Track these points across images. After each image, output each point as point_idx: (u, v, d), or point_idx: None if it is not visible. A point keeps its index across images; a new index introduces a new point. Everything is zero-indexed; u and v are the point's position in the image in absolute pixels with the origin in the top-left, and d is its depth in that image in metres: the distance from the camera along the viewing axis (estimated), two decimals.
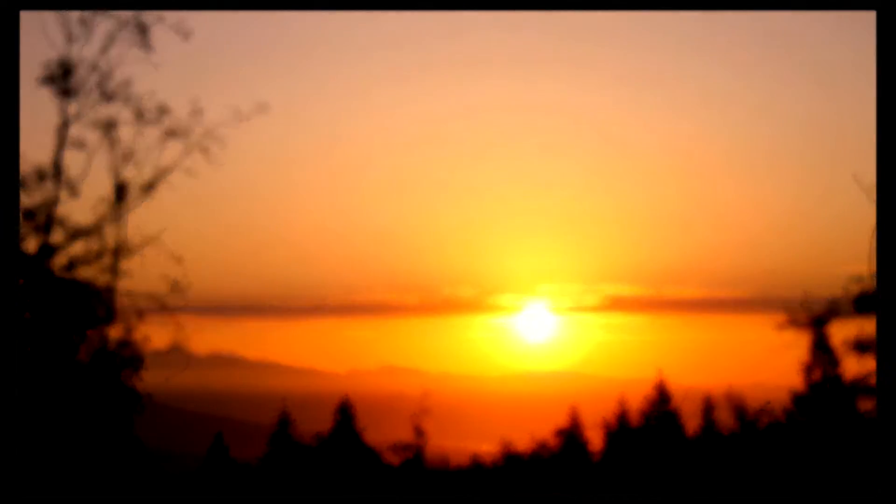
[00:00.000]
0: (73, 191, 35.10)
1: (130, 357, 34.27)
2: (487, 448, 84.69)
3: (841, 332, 35.43)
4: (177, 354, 35.15)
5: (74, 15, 34.41)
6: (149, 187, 35.78)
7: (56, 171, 34.54)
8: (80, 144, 35.17)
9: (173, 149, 36.05)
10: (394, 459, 68.30)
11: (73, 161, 35.13)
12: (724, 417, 65.42)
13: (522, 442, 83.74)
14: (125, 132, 36.28)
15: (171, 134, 36.08)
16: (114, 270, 34.99)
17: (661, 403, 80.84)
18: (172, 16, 35.43)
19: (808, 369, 65.48)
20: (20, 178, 33.61)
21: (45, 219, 34.43)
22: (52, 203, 34.53)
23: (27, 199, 34.53)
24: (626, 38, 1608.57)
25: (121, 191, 35.56)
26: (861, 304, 34.54)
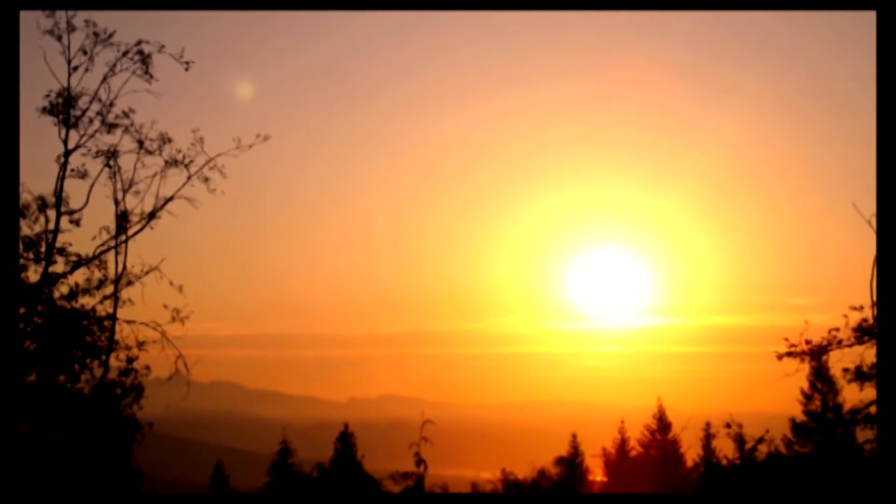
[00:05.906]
0: (74, 220, 35.24)
1: (131, 386, 34.26)
2: (487, 476, 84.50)
3: (841, 361, 35.34)
4: (177, 383, 35.14)
5: (76, 45, 34.58)
6: (150, 217, 35.91)
7: (57, 200, 34.63)
8: (82, 174, 35.29)
9: (174, 178, 36.18)
10: (394, 488, 68.01)
11: (74, 190, 35.16)
12: (724, 446, 65.34)
13: (523, 471, 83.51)
14: (126, 161, 36.42)
15: (172, 163, 36.25)
16: (114, 299, 35.03)
17: (661, 432, 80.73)
18: (173, 46, 35.58)
19: (808, 398, 65.64)
20: (21, 207, 33.71)
21: (46, 248, 34.50)
22: (52, 232, 34.61)
23: (28, 229, 34.64)
24: (616, 40, 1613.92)
25: (122, 220, 35.64)
26: (861, 333, 34.50)
